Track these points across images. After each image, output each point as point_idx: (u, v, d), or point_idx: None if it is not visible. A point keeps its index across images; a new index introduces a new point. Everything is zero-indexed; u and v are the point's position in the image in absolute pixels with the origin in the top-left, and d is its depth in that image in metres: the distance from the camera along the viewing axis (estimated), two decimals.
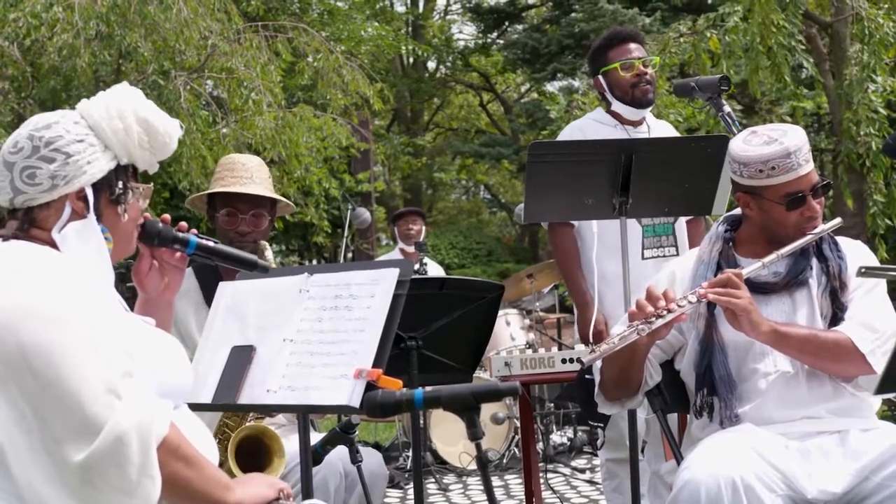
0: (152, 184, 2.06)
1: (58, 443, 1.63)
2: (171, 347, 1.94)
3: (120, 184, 1.91)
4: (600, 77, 3.78)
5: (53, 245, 1.83)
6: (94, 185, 1.87)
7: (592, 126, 3.79)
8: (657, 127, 3.92)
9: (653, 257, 3.69)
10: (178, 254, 2.12)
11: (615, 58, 3.75)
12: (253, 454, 2.68)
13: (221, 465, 2.65)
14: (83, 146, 1.86)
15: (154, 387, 1.75)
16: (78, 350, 1.65)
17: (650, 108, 3.85)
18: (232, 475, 2.58)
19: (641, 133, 3.79)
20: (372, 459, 2.80)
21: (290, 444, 2.83)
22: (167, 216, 2.13)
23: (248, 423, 2.67)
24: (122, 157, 1.91)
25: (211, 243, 2.13)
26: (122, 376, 1.67)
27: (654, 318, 2.39)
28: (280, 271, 2.25)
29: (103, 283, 1.84)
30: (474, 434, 1.74)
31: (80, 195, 1.86)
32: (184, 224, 2.14)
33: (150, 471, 1.65)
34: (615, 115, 3.80)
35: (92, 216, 1.86)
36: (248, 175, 2.99)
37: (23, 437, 1.65)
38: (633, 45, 3.78)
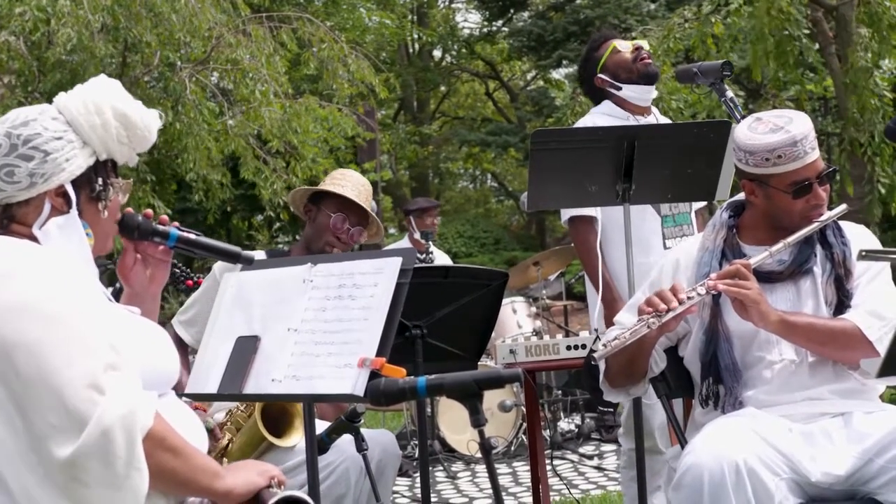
0: (132, 178, 2.06)
1: (43, 441, 1.60)
2: (155, 335, 1.94)
3: (100, 180, 1.90)
4: (600, 74, 3.77)
5: (34, 240, 1.81)
6: (74, 182, 1.85)
7: (603, 119, 3.76)
8: (662, 120, 3.93)
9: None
10: (161, 247, 2.13)
11: (607, 46, 3.78)
12: (276, 417, 2.77)
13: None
14: (61, 143, 1.84)
15: (140, 376, 1.73)
16: (60, 345, 1.63)
17: (656, 86, 3.83)
18: (261, 437, 2.67)
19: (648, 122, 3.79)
20: (385, 439, 2.90)
21: None
22: (149, 211, 2.14)
23: None
24: (101, 152, 1.90)
25: (192, 235, 2.15)
26: (105, 370, 1.64)
27: (664, 312, 2.40)
28: (284, 261, 2.26)
29: (86, 274, 1.81)
30: (477, 421, 1.75)
31: (60, 192, 1.84)
32: (165, 217, 2.15)
33: (137, 463, 1.63)
34: (623, 105, 3.79)
35: (74, 212, 1.85)
36: (365, 195, 3.31)
37: (11, 439, 1.64)
38: (616, 39, 3.83)
